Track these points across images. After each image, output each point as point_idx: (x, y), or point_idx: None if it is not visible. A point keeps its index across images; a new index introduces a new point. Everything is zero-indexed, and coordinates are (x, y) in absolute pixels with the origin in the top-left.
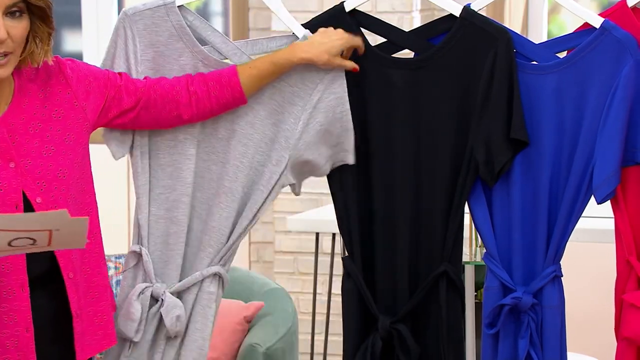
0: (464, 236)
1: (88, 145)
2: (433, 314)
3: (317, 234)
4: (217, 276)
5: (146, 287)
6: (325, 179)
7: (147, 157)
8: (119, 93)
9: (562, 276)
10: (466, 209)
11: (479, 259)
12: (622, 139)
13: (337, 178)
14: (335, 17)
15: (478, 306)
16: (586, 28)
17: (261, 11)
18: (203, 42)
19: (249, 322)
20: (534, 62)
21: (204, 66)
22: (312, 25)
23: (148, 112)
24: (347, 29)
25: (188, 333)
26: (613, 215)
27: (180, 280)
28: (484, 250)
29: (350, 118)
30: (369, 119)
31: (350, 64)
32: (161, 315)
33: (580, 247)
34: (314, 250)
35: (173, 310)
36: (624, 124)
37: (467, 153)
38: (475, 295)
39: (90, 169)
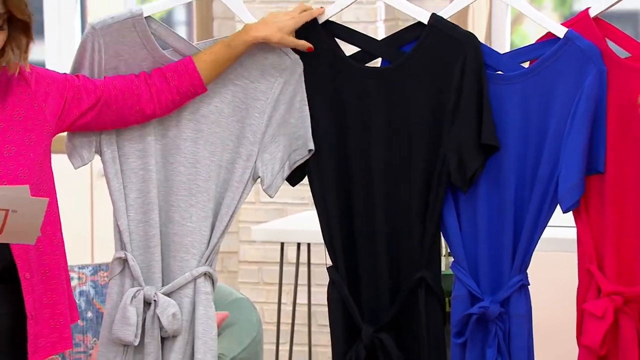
0: None
1: (49, 147)
2: (415, 321)
3: (282, 243)
4: (208, 276)
5: (137, 291)
6: (290, 188)
7: (118, 162)
8: (78, 93)
9: (529, 285)
10: None
11: (444, 268)
12: (586, 148)
13: (319, 190)
14: (307, 28)
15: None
16: (548, 38)
17: (226, 21)
18: (166, 48)
19: None
20: (499, 72)
21: None
22: None
23: (109, 108)
24: (321, 40)
25: (197, 336)
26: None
27: (163, 283)
28: (451, 259)
29: (308, 107)
30: (346, 129)
31: (304, 44)
32: (159, 318)
33: (545, 257)
34: (278, 260)
35: (168, 308)
36: (587, 133)
37: (439, 159)
38: None
39: (51, 171)
